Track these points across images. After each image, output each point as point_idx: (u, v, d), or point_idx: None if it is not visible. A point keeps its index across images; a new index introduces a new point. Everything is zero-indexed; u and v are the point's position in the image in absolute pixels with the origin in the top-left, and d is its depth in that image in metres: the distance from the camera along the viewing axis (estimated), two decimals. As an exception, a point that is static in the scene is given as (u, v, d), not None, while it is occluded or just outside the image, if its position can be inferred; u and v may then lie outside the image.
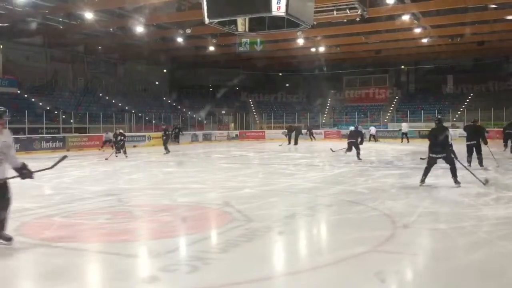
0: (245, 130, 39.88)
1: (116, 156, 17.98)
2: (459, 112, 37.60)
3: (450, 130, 10.39)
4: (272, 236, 5.70)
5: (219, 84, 43.31)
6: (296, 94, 46.88)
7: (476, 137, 12.44)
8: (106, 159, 17.25)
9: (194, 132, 34.74)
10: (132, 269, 4.57)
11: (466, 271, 4.24)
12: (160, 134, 22.70)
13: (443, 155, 8.97)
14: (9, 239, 5.12)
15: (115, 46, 34.14)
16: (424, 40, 30.06)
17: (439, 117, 10.74)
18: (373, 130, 31.41)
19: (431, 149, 9.14)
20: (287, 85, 47.87)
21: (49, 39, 31.99)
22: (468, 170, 9.70)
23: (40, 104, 28.65)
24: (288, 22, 9.07)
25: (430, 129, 10.11)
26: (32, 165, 5.45)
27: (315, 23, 17.68)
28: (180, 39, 28.87)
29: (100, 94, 35.76)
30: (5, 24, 26.31)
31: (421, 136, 29.18)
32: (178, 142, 28.32)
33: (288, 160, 17.71)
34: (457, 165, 9.03)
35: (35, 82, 32.17)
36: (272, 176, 12.12)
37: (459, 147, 10.20)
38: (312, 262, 4.66)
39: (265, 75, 45.58)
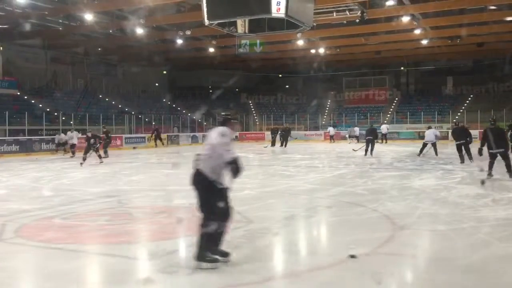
0: (244, 132, 39.89)
1: (101, 162, 16.03)
2: (459, 113, 37.59)
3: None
4: (271, 237, 5.70)
5: (218, 86, 43.32)
6: (295, 95, 46.89)
7: (463, 137, 14.35)
8: (81, 164, 15.07)
9: (194, 133, 34.74)
10: (132, 270, 4.56)
11: (465, 272, 4.24)
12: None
13: (501, 150, 10.12)
14: (226, 254, 4.46)
15: (115, 48, 34.16)
16: (424, 41, 30.09)
17: (494, 117, 12.00)
18: (384, 128, 31.10)
19: (490, 145, 10.20)
20: (286, 86, 47.91)
21: (49, 41, 32.01)
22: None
23: (40, 105, 28.66)
24: (288, 24, 9.06)
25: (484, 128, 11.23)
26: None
27: (314, 24, 17.75)
28: (179, 41, 28.90)
29: (100, 96, 35.79)
30: (5, 26, 26.36)
31: (421, 137, 29.17)
32: (156, 145, 28.09)
33: (288, 161, 17.71)
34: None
35: (35, 84, 32.19)
36: (272, 178, 12.12)
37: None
38: (312, 263, 4.66)
39: (265, 76, 45.61)
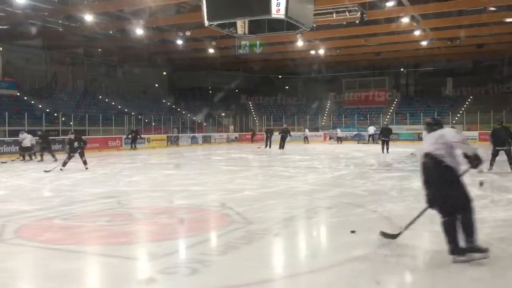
0: (244, 133, 39.89)
1: (87, 169, 13.90)
2: (458, 115, 37.63)
3: None
4: (271, 238, 5.70)
5: (218, 87, 43.34)
6: (295, 96, 46.92)
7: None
8: (49, 170, 13.35)
9: (194, 134, 34.75)
10: (132, 271, 4.57)
11: (465, 273, 4.24)
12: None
13: (504, 148, 11.58)
14: (484, 250, 4.41)
15: (115, 49, 34.16)
16: (423, 43, 30.08)
17: (501, 121, 14.16)
18: (371, 130, 31.40)
19: (495, 143, 11.67)
20: (286, 87, 47.94)
21: (49, 42, 31.98)
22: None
23: (40, 106, 28.63)
24: (288, 25, 9.08)
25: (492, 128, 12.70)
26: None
27: (314, 25, 17.74)
28: (179, 42, 28.90)
29: (100, 97, 35.77)
30: (5, 27, 26.34)
31: (420, 138, 29.19)
32: (135, 147, 26.88)
33: (288, 162, 17.72)
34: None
35: (35, 85, 32.17)
36: (271, 179, 12.12)
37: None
38: (312, 264, 4.67)
39: (265, 77, 45.61)
